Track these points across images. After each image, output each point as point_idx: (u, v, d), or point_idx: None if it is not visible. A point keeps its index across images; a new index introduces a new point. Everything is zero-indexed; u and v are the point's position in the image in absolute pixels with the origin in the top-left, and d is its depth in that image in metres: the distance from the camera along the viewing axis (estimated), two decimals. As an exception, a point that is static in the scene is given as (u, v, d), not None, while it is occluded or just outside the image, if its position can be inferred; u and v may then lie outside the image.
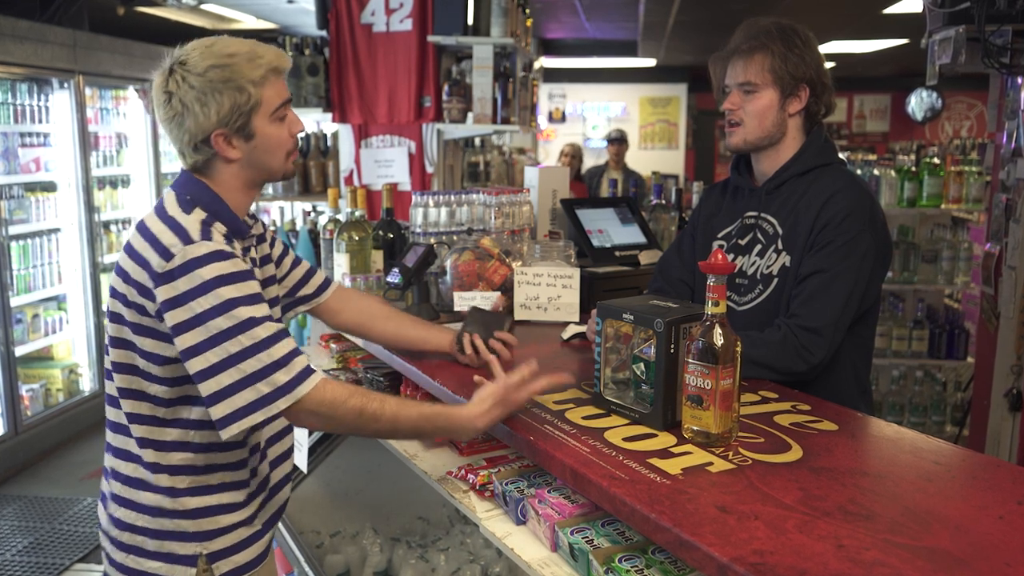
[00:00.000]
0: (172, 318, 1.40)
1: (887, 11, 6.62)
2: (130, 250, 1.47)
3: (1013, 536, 1.11)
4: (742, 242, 1.98)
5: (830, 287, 1.78)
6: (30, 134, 4.81)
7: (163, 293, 1.41)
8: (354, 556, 2.58)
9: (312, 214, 4.48)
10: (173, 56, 1.49)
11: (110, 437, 1.59)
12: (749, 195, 2.00)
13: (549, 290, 2.26)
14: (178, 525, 1.54)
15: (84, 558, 3.71)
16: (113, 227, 5.54)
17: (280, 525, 2.59)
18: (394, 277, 2.23)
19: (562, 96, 12.18)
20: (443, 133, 4.12)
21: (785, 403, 1.63)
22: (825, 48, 8.82)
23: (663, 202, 3.09)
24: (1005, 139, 3.15)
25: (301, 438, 2.37)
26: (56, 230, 5.03)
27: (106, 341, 1.56)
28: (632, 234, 2.69)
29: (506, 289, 2.29)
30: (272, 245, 1.76)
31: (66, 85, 4.94)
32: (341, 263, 2.63)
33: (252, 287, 1.44)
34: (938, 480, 1.29)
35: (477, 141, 5.69)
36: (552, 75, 11.33)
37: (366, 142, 4.17)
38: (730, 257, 1.95)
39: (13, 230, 4.61)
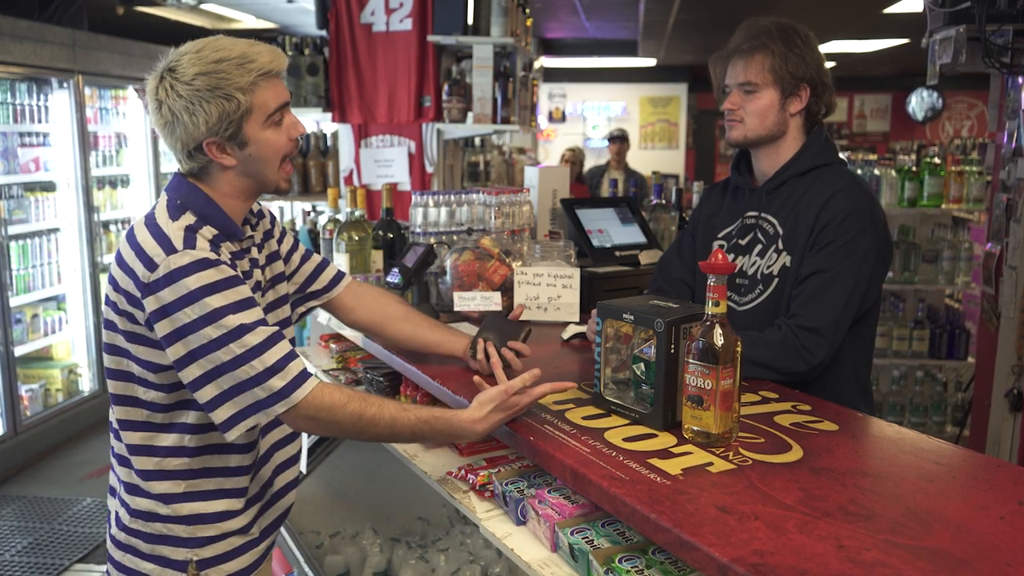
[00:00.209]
0: (161, 329, 1.39)
1: (887, 11, 6.61)
2: (119, 259, 1.46)
3: (1014, 536, 1.10)
4: (742, 242, 1.97)
5: (830, 287, 1.77)
6: (29, 134, 4.81)
7: (150, 304, 1.40)
8: (354, 557, 2.58)
9: (312, 214, 4.48)
10: (167, 59, 1.46)
11: (111, 438, 1.59)
12: (749, 195, 1.99)
13: (549, 290, 2.26)
14: (171, 530, 1.53)
15: (84, 558, 3.71)
16: (112, 227, 5.54)
17: (280, 525, 2.59)
18: (394, 277, 2.23)
19: (562, 96, 12.17)
20: (443, 133, 4.11)
21: (785, 403, 1.63)
22: (825, 48, 8.82)
23: (663, 202, 3.09)
24: (1006, 139, 3.15)
25: (302, 441, 2.36)
26: (55, 230, 5.03)
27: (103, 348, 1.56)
28: (632, 234, 2.69)
29: (506, 289, 2.29)
30: (281, 241, 1.73)
31: (65, 85, 4.94)
32: (341, 263, 2.63)
33: (241, 292, 1.42)
34: (939, 480, 1.29)
35: (477, 141, 5.69)
36: (552, 75, 11.33)
37: (366, 142, 4.17)
38: (730, 257, 1.95)
39: (12, 230, 4.61)
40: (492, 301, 2.22)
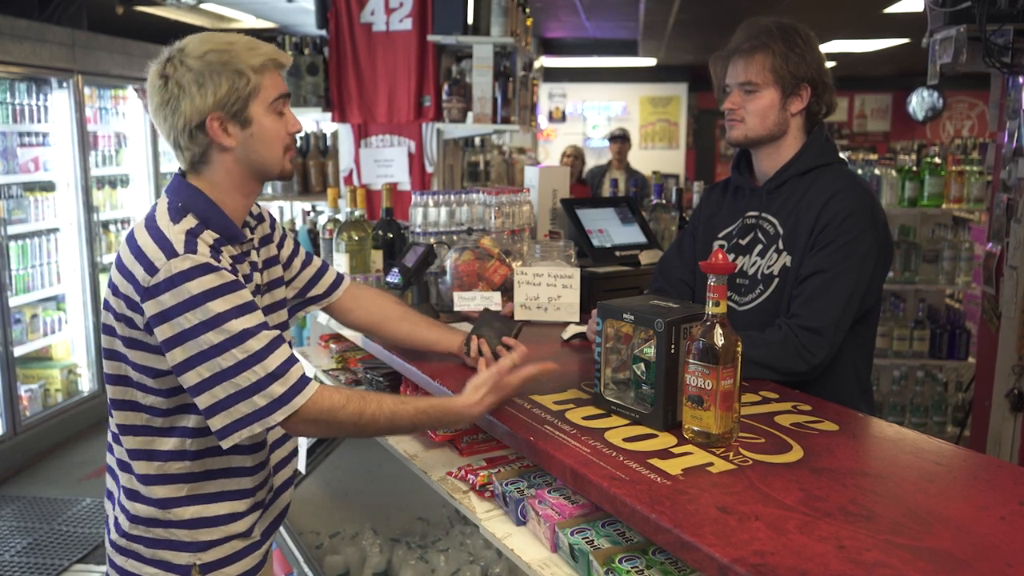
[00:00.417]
0: (161, 333, 1.38)
1: (888, 10, 6.61)
2: (119, 262, 1.45)
3: (1014, 537, 1.10)
4: (743, 242, 1.97)
5: (831, 287, 1.77)
6: (29, 134, 4.81)
7: (150, 308, 1.38)
8: (354, 557, 2.58)
9: (311, 214, 4.47)
10: (171, 48, 1.47)
11: (110, 443, 1.58)
12: (750, 195, 1.99)
13: (549, 290, 2.25)
14: (172, 534, 1.52)
15: (83, 558, 3.71)
16: (112, 227, 5.53)
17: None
18: (394, 277, 2.23)
19: (562, 95, 12.17)
20: (443, 133, 4.11)
21: (786, 403, 1.63)
22: (826, 47, 8.82)
23: (663, 202, 3.08)
24: (1006, 139, 3.14)
25: (300, 439, 2.36)
26: (55, 230, 5.03)
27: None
28: (632, 234, 2.69)
29: (506, 289, 2.29)
30: (281, 246, 1.73)
31: (65, 84, 4.94)
32: (341, 263, 2.63)
33: (242, 296, 1.41)
34: (939, 481, 1.29)
35: (477, 141, 5.69)
36: (552, 74, 11.32)
37: (366, 142, 4.17)
38: (731, 257, 1.95)
39: (12, 230, 4.61)
40: (492, 301, 2.22)
